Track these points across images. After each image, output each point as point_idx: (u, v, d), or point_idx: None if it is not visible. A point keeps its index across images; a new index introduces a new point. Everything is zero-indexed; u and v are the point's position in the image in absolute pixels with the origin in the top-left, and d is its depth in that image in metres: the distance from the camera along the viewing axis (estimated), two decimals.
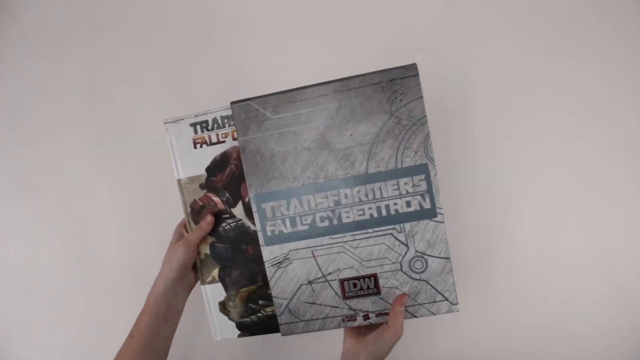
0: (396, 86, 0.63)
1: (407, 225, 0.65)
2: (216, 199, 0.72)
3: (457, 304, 0.66)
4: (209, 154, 0.71)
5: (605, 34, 0.82)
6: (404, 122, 0.64)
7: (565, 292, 0.83)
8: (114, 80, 0.91)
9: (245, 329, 0.73)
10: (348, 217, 0.65)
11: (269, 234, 0.67)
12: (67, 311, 0.92)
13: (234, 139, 0.70)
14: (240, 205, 0.71)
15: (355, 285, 0.66)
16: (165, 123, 0.72)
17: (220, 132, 0.71)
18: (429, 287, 0.65)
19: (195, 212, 0.73)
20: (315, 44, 0.86)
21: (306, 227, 0.66)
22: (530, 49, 0.83)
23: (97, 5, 0.91)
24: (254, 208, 0.67)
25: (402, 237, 0.65)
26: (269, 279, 0.68)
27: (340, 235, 0.65)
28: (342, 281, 0.67)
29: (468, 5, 0.84)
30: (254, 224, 0.71)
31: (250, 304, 0.73)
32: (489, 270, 0.84)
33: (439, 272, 0.65)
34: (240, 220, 0.71)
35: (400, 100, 0.63)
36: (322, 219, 0.66)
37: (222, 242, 0.72)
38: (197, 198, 0.72)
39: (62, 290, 0.92)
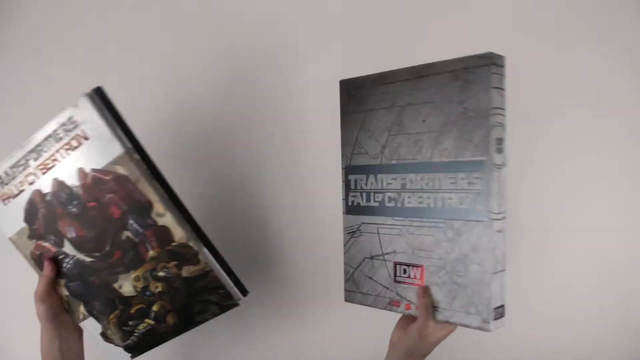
0: (469, 75, 0.59)
1: (457, 223, 0.60)
2: (46, 244, 0.71)
3: (489, 322, 0.58)
4: (19, 206, 0.70)
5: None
6: (470, 112, 0.58)
7: (565, 292, 0.79)
8: (116, 81, 0.87)
9: (133, 350, 0.74)
10: (410, 202, 0.64)
11: (349, 203, 0.70)
12: None
13: (30, 184, 0.68)
14: (66, 242, 0.70)
15: (404, 271, 0.65)
16: None
17: (15, 182, 0.69)
18: (466, 294, 0.59)
19: (37, 261, 0.72)
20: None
21: (376, 204, 0.67)
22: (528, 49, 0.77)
23: None
24: (343, 177, 0.70)
25: (450, 234, 0.60)
26: (344, 244, 0.71)
27: (401, 218, 0.65)
28: (395, 264, 0.65)
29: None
30: (85, 255, 0.69)
31: (123, 327, 0.73)
32: None
33: (478, 282, 0.59)
34: (75, 255, 0.70)
35: (470, 89, 0.58)
36: (390, 199, 0.66)
37: (72, 280, 0.72)
38: (31, 249, 0.72)
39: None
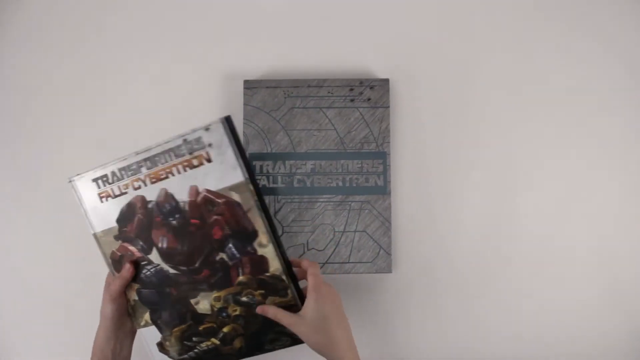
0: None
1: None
2: (132, 247, 0.72)
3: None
4: (116, 205, 0.71)
5: (609, 29, 0.82)
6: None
7: (565, 292, 0.83)
8: (116, 82, 0.91)
9: None
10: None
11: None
12: (67, 311, 0.92)
13: (135, 189, 0.70)
14: (155, 251, 0.72)
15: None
16: (69, 181, 0.72)
17: (120, 183, 0.70)
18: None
19: (116, 262, 0.73)
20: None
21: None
22: (528, 49, 0.84)
23: None
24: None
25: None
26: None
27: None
28: None
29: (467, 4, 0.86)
30: (171, 266, 0.71)
31: (185, 342, 0.74)
32: (488, 271, 0.85)
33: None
34: (159, 265, 0.72)
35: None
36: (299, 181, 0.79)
37: (147, 287, 0.73)
38: (114, 249, 0.73)
39: (61, 291, 0.92)
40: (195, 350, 0.74)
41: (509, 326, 0.83)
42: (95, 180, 0.71)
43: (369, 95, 0.87)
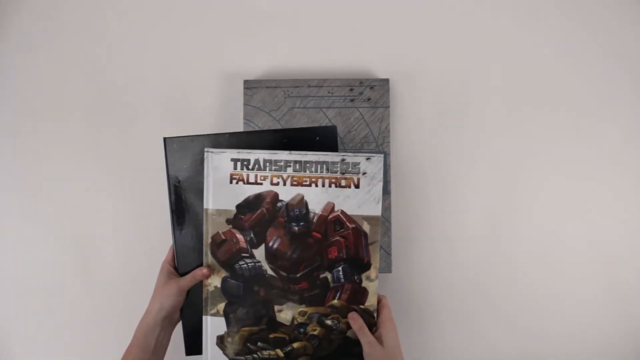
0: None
1: None
2: (240, 236, 0.72)
3: None
4: (243, 192, 0.72)
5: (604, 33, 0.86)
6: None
7: (565, 292, 0.85)
8: (116, 81, 0.90)
9: None
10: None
11: None
12: (66, 311, 0.90)
13: (272, 184, 0.72)
14: (262, 248, 0.72)
15: None
16: (206, 151, 0.72)
17: (260, 173, 0.72)
18: None
19: (216, 244, 0.73)
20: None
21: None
22: (527, 49, 0.87)
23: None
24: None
25: None
26: None
27: None
28: None
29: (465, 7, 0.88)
30: (272, 268, 0.72)
31: (248, 344, 0.73)
32: (488, 271, 0.86)
33: None
34: (259, 262, 0.72)
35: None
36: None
37: (236, 279, 0.73)
38: (221, 231, 0.73)
39: (61, 291, 0.90)
40: (254, 356, 0.74)
41: (508, 326, 0.85)
42: (234, 160, 0.72)
43: (369, 95, 0.86)
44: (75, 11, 0.93)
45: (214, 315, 0.74)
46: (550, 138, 0.85)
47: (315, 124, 0.86)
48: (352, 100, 0.87)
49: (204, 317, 0.74)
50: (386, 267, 0.88)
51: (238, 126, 0.88)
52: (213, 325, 0.74)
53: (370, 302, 0.72)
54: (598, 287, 0.85)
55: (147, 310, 0.74)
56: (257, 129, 0.87)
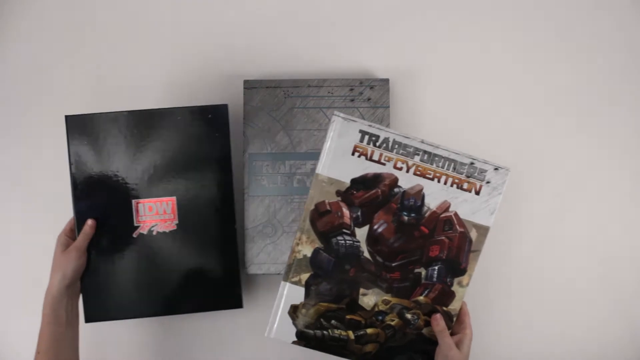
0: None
1: None
2: (346, 211, 0.69)
3: None
4: (363, 167, 0.69)
5: (600, 35, 0.86)
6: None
7: (565, 294, 0.86)
8: (116, 80, 0.88)
9: (303, 339, 0.72)
10: None
11: None
12: None
13: (395, 168, 0.69)
14: (365, 228, 0.70)
15: None
16: (334, 115, 0.68)
17: (386, 153, 0.68)
18: None
19: (318, 212, 0.69)
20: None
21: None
22: (527, 49, 0.87)
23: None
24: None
25: None
26: None
27: None
28: None
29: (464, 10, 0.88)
30: (369, 251, 0.70)
31: (322, 320, 0.71)
32: (487, 272, 0.85)
33: None
34: (358, 242, 0.70)
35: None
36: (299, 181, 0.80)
37: (329, 252, 0.70)
38: (327, 201, 0.69)
39: None
40: (324, 332, 0.71)
41: (508, 326, 0.85)
42: (363, 132, 0.68)
43: (369, 95, 0.84)
44: (72, 9, 0.90)
45: (294, 283, 0.70)
46: (551, 138, 0.86)
47: (316, 124, 0.84)
48: (352, 100, 0.85)
49: (282, 282, 0.71)
50: None
51: (238, 126, 0.85)
52: (290, 293, 0.71)
53: (454, 306, 0.72)
54: (598, 288, 0.86)
55: (50, 284, 0.73)
56: (256, 128, 0.84)
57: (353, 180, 0.69)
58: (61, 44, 0.89)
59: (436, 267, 0.70)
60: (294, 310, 0.71)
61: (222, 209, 0.78)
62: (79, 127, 0.76)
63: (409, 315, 0.71)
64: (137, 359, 0.87)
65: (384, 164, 0.69)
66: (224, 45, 0.89)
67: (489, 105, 0.86)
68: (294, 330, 0.71)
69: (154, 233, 0.76)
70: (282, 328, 0.71)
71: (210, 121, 0.77)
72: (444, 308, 0.71)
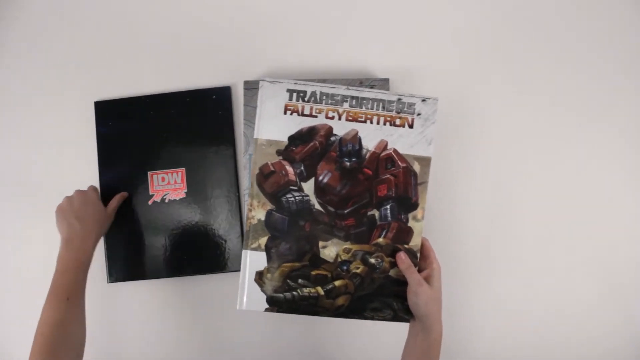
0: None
1: None
2: (289, 168, 0.71)
3: None
4: (297, 123, 0.71)
5: (603, 36, 0.87)
6: None
7: (565, 294, 0.86)
8: (117, 79, 0.89)
9: (275, 304, 0.72)
10: None
11: None
12: None
13: (327, 118, 0.71)
14: (311, 181, 0.71)
15: None
16: (261, 80, 0.71)
17: (316, 106, 0.71)
18: None
19: (263, 175, 0.71)
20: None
21: None
22: (527, 50, 0.88)
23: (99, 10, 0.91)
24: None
25: None
26: None
27: None
28: None
29: (468, 13, 0.89)
30: (320, 202, 0.71)
31: (288, 281, 0.72)
32: (488, 272, 0.86)
33: None
34: (307, 196, 0.71)
35: None
36: None
37: (281, 212, 0.71)
38: (270, 162, 0.71)
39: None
40: (294, 293, 0.72)
41: (508, 327, 0.85)
42: (290, 90, 0.71)
43: None
44: (72, 8, 0.91)
45: (254, 249, 0.71)
46: (551, 138, 0.87)
47: None
48: None
49: (243, 251, 0.72)
50: None
51: (238, 126, 0.88)
52: (253, 260, 0.72)
53: (415, 242, 0.72)
54: (598, 290, 0.86)
55: (89, 232, 0.78)
56: None
57: (290, 138, 0.71)
58: (60, 42, 0.91)
59: (388, 206, 0.72)
60: (259, 277, 0.72)
61: (226, 178, 0.87)
62: (105, 110, 0.87)
63: (372, 260, 0.72)
64: (150, 319, 0.88)
65: (316, 117, 0.71)
66: (223, 45, 0.90)
67: (489, 105, 0.88)
68: (264, 297, 0.72)
69: (166, 201, 0.85)
70: (252, 297, 0.72)
71: (215, 101, 0.87)
72: (405, 246, 0.72)
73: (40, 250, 0.87)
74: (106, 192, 0.85)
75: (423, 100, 0.72)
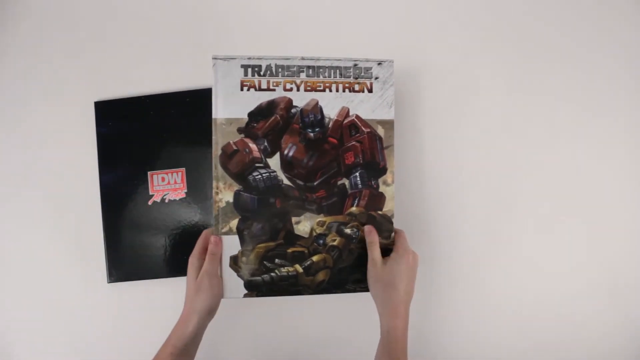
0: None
1: None
2: (253, 145, 0.69)
3: None
4: (255, 99, 0.69)
5: (602, 35, 0.86)
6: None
7: (565, 295, 0.84)
8: (117, 78, 0.87)
9: (254, 288, 0.69)
10: None
11: None
12: (64, 310, 0.86)
13: (285, 90, 0.70)
14: (277, 156, 0.69)
15: None
16: (214, 58, 0.69)
17: (272, 79, 0.70)
18: None
19: (227, 155, 0.69)
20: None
21: None
22: (526, 50, 0.87)
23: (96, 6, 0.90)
24: None
25: None
26: None
27: None
28: None
29: (466, 9, 0.88)
30: (288, 177, 0.69)
31: (265, 262, 0.69)
32: (488, 272, 0.85)
33: None
34: (274, 172, 0.69)
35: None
36: None
37: (250, 192, 0.69)
38: (232, 141, 0.69)
39: (62, 292, 0.85)
40: (272, 275, 0.69)
41: (508, 327, 0.85)
42: (245, 67, 0.69)
43: None
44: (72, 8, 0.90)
45: (226, 233, 0.69)
46: (552, 137, 0.86)
47: None
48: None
49: (217, 235, 0.69)
50: None
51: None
52: (226, 246, 0.69)
53: (388, 207, 0.71)
54: (598, 291, 0.85)
55: (188, 316, 0.67)
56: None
57: (250, 114, 0.69)
58: (62, 43, 0.88)
59: (357, 174, 0.71)
60: (234, 262, 0.69)
61: None
62: (105, 110, 0.85)
63: (348, 230, 0.70)
64: (150, 319, 0.85)
65: (274, 90, 0.70)
66: (223, 45, 0.87)
67: (489, 105, 0.87)
68: (241, 283, 0.69)
69: (166, 201, 0.83)
70: (230, 285, 0.69)
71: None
72: (380, 212, 0.71)
73: (41, 250, 0.85)
74: (106, 192, 0.84)
75: (379, 64, 0.71)
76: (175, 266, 0.83)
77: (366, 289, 0.71)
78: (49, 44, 0.88)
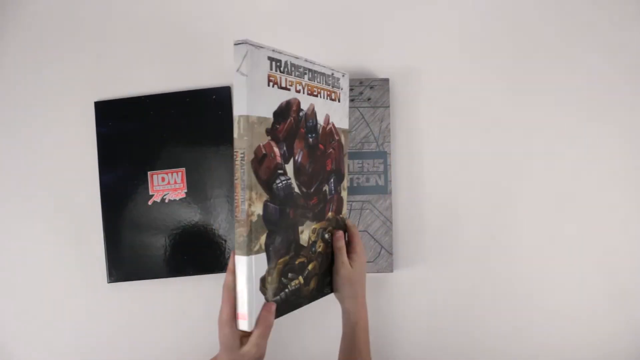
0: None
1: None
2: (276, 149, 0.61)
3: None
4: (277, 97, 0.61)
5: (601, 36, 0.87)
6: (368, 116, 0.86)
7: (566, 296, 0.86)
8: (118, 77, 0.88)
9: (277, 312, 0.62)
10: None
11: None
12: (64, 310, 0.87)
13: (296, 91, 0.65)
14: (291, 162, 0.64)
15: None
16: (242, 43, 0.57)
17: (288, 78, 0.63)
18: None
19: (258, 160, 0.58)
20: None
21: None
22: (524, 51, 0.88)
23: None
24: None
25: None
26: None
27: None
28: None
29: (466, 10, 0.89)
30: (297, 185, 0.65)
31: (282, 278, 0.63)
32: (489, 272, 0.87)
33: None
34: (290, 179, 0.64)
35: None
36: None
37: (274, 201, 0.61)
38: (262, 144, 0.59)
39: (61, 293, 0.87)
40: (286, 291, 0.64)
41: (509, 327, 0.85)
42: (271, 59, 0.60)
43: (369, 95, 0.86)
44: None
45: (257, 252, 0.59)
46: (553, 139, 0.86)
47: None
48: (352, 100, 0.86)
49: (247, 257, 0.58)
50: (388, 267, 0.87)
51: None
52: (257, 266, 0.59)
53: (344, 211, 0.77)
54: (600, 291, 0.86)
55: None
56: None
57: (275, 114, 0.61)
58: (62, 43, 0.88)
59: (332, 180, 0.73)
60: (263, 284, 0.60)
61: (226, 178, 0.87)
62: (105, 110, 0.85)
63: (327, 235, 0.72)
64: (150, 319, 0.86)
65: (289, 90, 0.64)
66: (224, 44, 0.87)
67: (489, 105, 0.86)
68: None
69: (166, 201, 0.84)
70: (255, 312, 0.59)
71: (215, 101, 0.87)
72: (341, 216, 0.76)
73: (41, 250, 0.87)
74: (106, 192, 0.84)
75: (343, 75, 0.76)
76: (175, 266, 0.84)
77: (330, 291, 0.74)
78: (49, 44, 0.88)
